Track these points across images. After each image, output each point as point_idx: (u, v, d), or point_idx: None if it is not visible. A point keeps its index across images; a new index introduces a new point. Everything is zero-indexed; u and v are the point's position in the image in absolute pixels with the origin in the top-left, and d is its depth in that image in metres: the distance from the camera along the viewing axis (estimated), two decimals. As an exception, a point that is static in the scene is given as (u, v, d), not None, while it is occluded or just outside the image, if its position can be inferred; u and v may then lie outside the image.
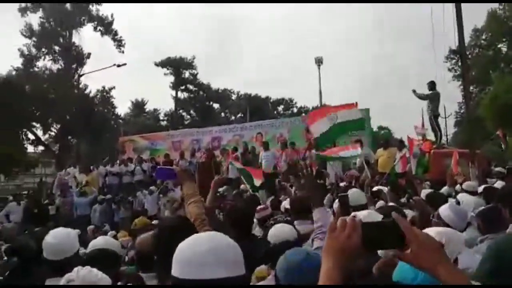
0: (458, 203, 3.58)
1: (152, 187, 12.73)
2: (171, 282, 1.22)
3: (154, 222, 10.16)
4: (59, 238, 2.67)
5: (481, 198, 3.35)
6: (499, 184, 6.16)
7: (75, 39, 30.45)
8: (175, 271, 1.21)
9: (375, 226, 1.09)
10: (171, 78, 43.22)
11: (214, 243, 1.22)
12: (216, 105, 47.37)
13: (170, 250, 1.83)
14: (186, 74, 43.71)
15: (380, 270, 2.10)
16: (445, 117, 27.28)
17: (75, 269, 1.96)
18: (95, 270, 1.84)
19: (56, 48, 29.74)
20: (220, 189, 7.42)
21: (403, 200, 5.33)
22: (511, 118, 20.42)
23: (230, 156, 13.26)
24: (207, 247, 1.19)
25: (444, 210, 2.92)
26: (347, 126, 7.78)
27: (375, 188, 5.82)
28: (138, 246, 2.94)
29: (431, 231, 2.22)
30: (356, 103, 8.92)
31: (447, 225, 2.82)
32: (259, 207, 4.52)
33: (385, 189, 5.37)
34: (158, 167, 3.24)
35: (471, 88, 25.11)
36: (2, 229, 8.13)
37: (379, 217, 2.59)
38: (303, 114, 32.98)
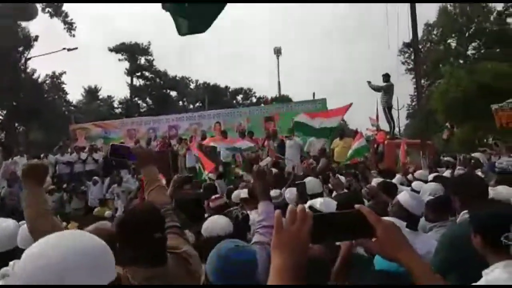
0: (412, 190, 3.67)
1: (96, 177, 12.33)
2: None
3: (107, 213, 9.91)
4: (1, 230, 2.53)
5: (439, 185, 3.44)
6: (447, 173, 6.43)
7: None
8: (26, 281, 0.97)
9: (336, 217, 1.04)
10: (126, 64, 41.95)
11: (74, 244, 1.02)
12: (173, 93, 46.47)
13: (136, 239, 1.73)
14: (142, 60, 42.53)
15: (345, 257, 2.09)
16: (398, 109, 28.24)
17: (11, 262, 1.84)
18: None
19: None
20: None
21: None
22: (460, 111, 21.46)
23: (191, 145, 13.03)
24: (66, 249, 1.00)
25: (404, 197, 2.97)
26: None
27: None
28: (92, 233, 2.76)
29: None
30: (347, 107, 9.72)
31: (407, 211, 2.87)
32: (213, 196, 4.43)
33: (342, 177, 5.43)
34: (112, 143, 2.63)
35: (423, 81, 26.12)
36: None
37: (334, 204, 2.59)
38: (262, 104, 33.11)
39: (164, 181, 3.16)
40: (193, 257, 1.97)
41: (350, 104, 9.76)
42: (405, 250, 1.02)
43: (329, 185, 5.02)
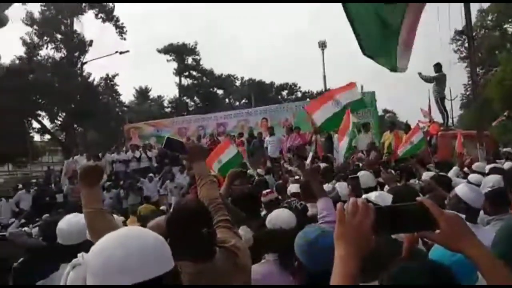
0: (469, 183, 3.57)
1: (151, 174, 12.79)
2: None
3: (162, 207, 10.28)
4: (71, 225, 2.75)
5: (500, 177, 3.32)
6: (507, 164, 6.13)
7: (77, 26, 30.34)
8: (93, 280, 1.10)
9: (398, 209, 1.04)
10: (174, 65, 43.00)
11: (136, 242, 1.11)
12: (220, 91, 47.14)
13: (184, 235, 1.84)
14: (189, 60, 43.44)
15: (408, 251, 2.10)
16: (451, 100, 26.99)
17: (79, 254, 1.99)
18: None
19: (58, 36, 29.61)
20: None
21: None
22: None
23: (236, 142, 13.27)
24: (131, 247, 1.09)
25: (462, 190, 2.91)
26: (352, 108, 7.79)
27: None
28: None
29: None
30: (354, 83, 8.68)
31: (466, 204, 2.81)
32: (264, 191, 4.52)
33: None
34: (168, 136, 2.70)
35: (478, 69, 24.83)
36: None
37: (389, 198, 2.60)
38: (308, 99, 32.86)
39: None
40: (241, 250, 2.00)
41: (354, 83, 9.00)
42: (469, 240, 1.03)
43: (380, 178, 4.96)
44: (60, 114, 29.83)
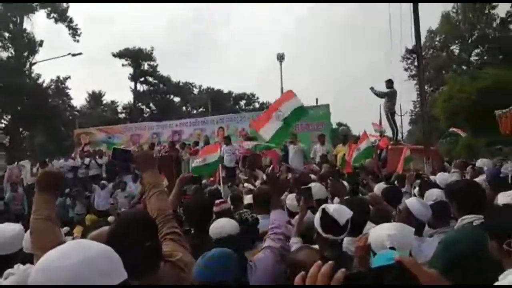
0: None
1: (104, 181, 12.34)
2: None
3: (110, 218, 9.90)
4: (3, 233, 2.60)
5: (441, 191, 3.46)
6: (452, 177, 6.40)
7: (27, 25, 29.02)
8: None
9: (371, 275, 0.93)
10: (130, 70, 42.17)
11: (83, 254, 1.07)
12: (176, 99, 46.64)
13: (126, 246, 1.74)
14: (145, 66, 42.73)
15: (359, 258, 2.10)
16: (401, 115, 28.22)
17: (16, 265, 1.87)
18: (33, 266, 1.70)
19: (6, 34, 28.18)
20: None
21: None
22: (463, 118, 21.45)
23: (191, 151, 13.11)
24: (76, 260, 1.04)
25: (412, 203, 2.99)
26: (295, 116, 7.92)
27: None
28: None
29: (385, 226, 2.24)
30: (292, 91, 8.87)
31: (415, 218, 2.89)
32: (218, 200, 4.44)
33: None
34: (114, 147, 2.62)
35: (426, 87, 26.09)
36: None
37: (348, 213, 2.60)
38: (265, 110, 33.12)
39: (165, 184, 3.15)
40: (188, 265, 1.94)
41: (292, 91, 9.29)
42: None
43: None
44: (4, 117, 28.28)
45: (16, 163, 15.19)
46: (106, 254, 1.13)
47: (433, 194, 3.47)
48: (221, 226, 2.72)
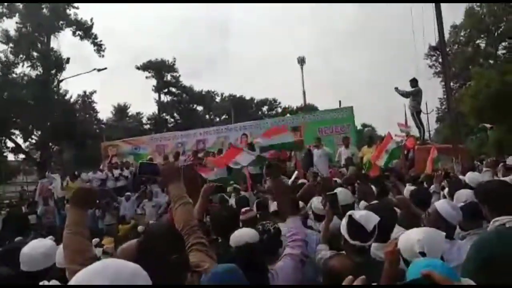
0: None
1: (128, 193, 12.53)
2: None
3: (140, 228, 10.04)
4: (35, 249, 2.65)
5: (472, 192, 3.35)
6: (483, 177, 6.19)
7: (53, 44, 29.94)
8: None
9: None
10: (153, 81, 42.97)
11: (116, 274, 1.12)
12: (199, 108, 47.17)
13: (153, 260, 1.75)
14: (168, 77, 43.43)
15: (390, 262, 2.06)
16: (427, 113, 27.66)
17: (41, 282, 1.90)
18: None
19: (34, 53, 29.14)
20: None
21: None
22: (492, 113, 20.80)
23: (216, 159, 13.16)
24: (108, 280, 1.09)
25: (442, 206, 2.91)
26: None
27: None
28: (119, 254, 2.82)
29: (414, 231, 2.19)
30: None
31: (445, 221, 2.81)
32: (243, 209, 4.43)
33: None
34: (140, 161, 2.69)
35: (452, 84, 25.49)
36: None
37: (375, 219, 2.56)
38: (288, 115, 33.04)
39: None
40: None
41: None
42: None
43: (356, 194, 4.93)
44: (35, 133, 29.20)
45: (46, 177, 15.62)
46: (137, 273, 1.17)
47: (463, 195, 3.38)
48: (240, 235, 2.75)
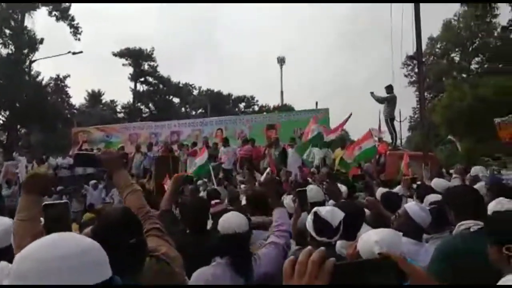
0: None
1: (93, 181, 12.30)
2: None
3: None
4: None
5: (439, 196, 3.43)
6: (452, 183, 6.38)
7: (28, 23, 28.97)
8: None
9: (362, 266, 0.89)
10: (130, 70, 42.17)
11: (76, 245, 1.02)
12: (176, 100, 46.63)
13: (108, 245, 1.69)
14: (145, 66, 42.73)
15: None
16: (400, 121, 28.24)
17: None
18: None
19: (7, 31, 28.12)
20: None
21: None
22: (462, 124, 21.45)
23: (189, 152, 13.09)
24: (67, 250, 0.99)
25: (412, 208, 2.95)
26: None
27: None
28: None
29: (372, 233, 2.20)
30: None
31: (414, 223, 2.85)
32: (213, 201, 4.40)
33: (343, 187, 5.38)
34: (76, 152, 2.57)
35: (426, 94, 26.10)
36: None
37: (341, 214, 2.57)
38: (265, 113, 33.11)
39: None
40: (173, 258, 1.96)
41: (350, 115, 9.98)
42: None
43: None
44: (3, 113, 28.22)
45: (14, 158, 15.13)
46: (98, 247, 1.08)
47: (433, 199, 3.44)
48: (229, 222, 2.64)
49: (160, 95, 44.21)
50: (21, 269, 0.97)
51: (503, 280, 1.68)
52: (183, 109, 47.03)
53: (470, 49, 32.38)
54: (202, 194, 7.61)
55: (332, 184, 4.62)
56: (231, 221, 2.60)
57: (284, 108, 35.39)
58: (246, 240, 2.54)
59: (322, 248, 0.89)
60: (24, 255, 1.00)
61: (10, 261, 1.98)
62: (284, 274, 0.90)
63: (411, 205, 3.02)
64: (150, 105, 44.41)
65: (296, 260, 0.89)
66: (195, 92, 48.33)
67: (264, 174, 8.32)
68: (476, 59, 32.74)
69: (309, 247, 0.91)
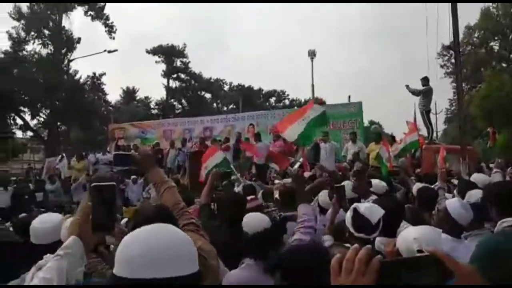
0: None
1: (133, 176, 12.57)
2: (113, 283, 1.08)
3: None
4: (45, 223, 2.68)
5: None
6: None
7: (65, 23, 29.97)
8: (120, 271, 1.06)
9: (408, 264, 0.90)
10: (163, 66, 42.90)
11: (165, 237, 1.11)
12: (208, 95, 47.10)
13: None
14: (178, 62, 43.34)
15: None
16: (436, 113, 27.45)
17: (45, 256, 1.92)
18: None
19: (46, 32, 29.17)
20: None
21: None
22: (502, 117, 20.61)
23: (222, 147, 13.21)
24: (158, 242, 1.08)
25: (452, 204, 2.90)
26: (318, 122, 8.00)
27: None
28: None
29: (411, 230, 2.20)
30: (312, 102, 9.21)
31: (453, 219, 2.81)
32: (249, 197, 4.46)
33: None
34: (115, 153, 2.69)
35: (463, 85, 25.22)
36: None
37: (380, 211, 2.57)
38: (296, 107, 32.88)
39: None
40: (208, 252, 2.02)
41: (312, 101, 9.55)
42: None
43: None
44: (43, 111, 29.35)
45: (57, 157, 15.73)
46: (191, 242, 1.19)
47: (474, 195, 3.37)
48: (255, 220, 2.72)
49: (192, 91, 44.78)
50: (128, 253, 1.07)
51: None
52: (214, 104, 47.45)
53: (510, 37, 31.00)
54: (238, 189, 7.69)
55: (359, 180, 4.56)
56: (256, 221, 2.67)
57: (316, 102, 35.06)
58: (271, 239, 2.53)
59: (368, 246, 0.92)
60: (131, 241, 1.11)
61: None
62: (332, 271, 0.92)
63: (452, 202, 2.97)
64: (183, 101, 45.10)
65: (343, 258, 0.91)
66: (226, 88, 48.66)
67: (296, 166, 8.31)
68: (517, 47, 31.34)
69: (356, 245, 0.94)
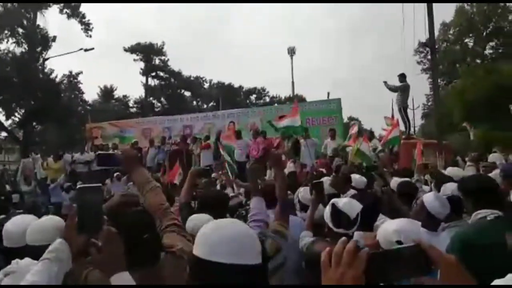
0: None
1: (117, 173, 12.39)
2: (193, 264, 1.24)
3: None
4: (17, 226, 2.58)
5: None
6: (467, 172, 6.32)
7: (40, 21, 29.21)
8: (203, 253, 1.20)
9: (393, 255, 0.92)
10: (141, 65, 42.38)
11: (244, 229, 1.28)
12: (187, 93, 46.74)
13: (126, 241, 1.74)
14: (156, 60, 42.88)
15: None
16: (413, 109, 27.93)
17: (14, 261, 1.87)
18: (35, 262, 1.68)
19: (20, 30, 28.40)
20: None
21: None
22: (478, 112, 21.08)
23: (202, 145, 13.16)
24: (240, 232, 1.24)
25: (429, 199, 2.95)
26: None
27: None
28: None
29: (390, 222, 2.22)
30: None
31: (430, 214, 2.85)
32: (230, 194, 4.45)
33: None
34: (97, 152, 2.67)
35: (439, 81, 25.73)
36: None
37: (358, 206, 2.59)
38: (276, 104, 32.98)
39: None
40: (188, 254, 1.97)
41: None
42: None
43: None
44: (18, 111, 28.62)
45: (30, 156, 15.37)
46: (256, 236, 1.30)
47: (449, 188, 3.44)
48: (198, 220, 2.72)
49: (171, 89, 44.38)
50: (213, 238, 1.21)
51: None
52: (194, 102, 47.15)
53: (484, 34, 31.76)
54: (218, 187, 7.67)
55: (337, 176, 4.60)
56: (200, 220, 2.65)
57: (296, 99, 35.21)
58: None
59: (356, 239, 0.93)
60: (215, 228, 1.25)
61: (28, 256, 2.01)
62: (322, 264, 0.95)
63: (429, 197, 3.01)
64: (162, 99, 44.64)
65: (332, 251, 0.94)
66: (206, 86, 48.39)
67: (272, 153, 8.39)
68: (491, 44, 32.12)
69: (344, 238, 0.96)
